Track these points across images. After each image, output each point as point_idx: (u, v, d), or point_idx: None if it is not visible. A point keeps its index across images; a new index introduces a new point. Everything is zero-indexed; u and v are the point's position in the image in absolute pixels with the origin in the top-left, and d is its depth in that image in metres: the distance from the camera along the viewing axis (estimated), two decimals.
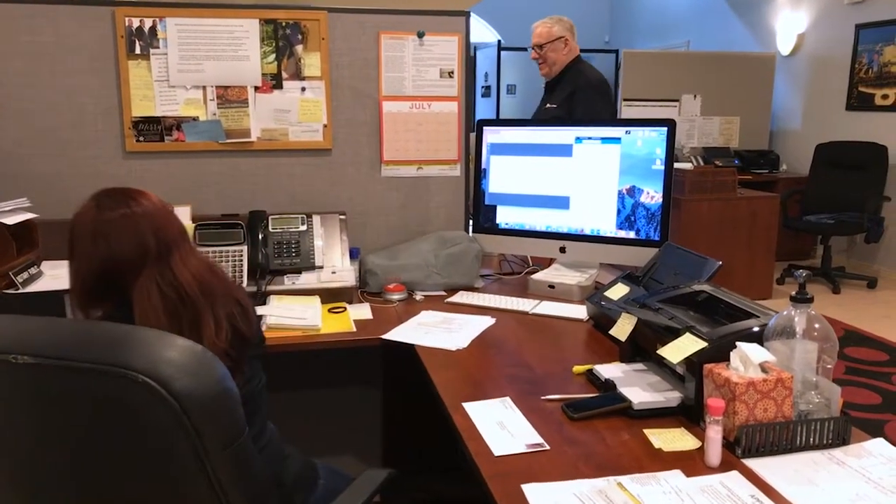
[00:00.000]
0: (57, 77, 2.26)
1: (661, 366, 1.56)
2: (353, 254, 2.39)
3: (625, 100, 6.39)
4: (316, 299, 2.15)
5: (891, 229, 5.53)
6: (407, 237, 2.56)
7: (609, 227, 2.30)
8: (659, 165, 2.19)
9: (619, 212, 2.27)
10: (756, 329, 1.41)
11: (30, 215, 2.03)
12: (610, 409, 1.44)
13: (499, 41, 9.13)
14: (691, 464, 1.26)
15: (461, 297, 2.28)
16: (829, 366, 1.36)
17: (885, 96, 5.63)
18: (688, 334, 1.44)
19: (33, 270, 1.95)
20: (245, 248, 2.20)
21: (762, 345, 1.35)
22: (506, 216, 2.47)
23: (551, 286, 2.31)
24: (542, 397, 1.54)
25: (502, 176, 2.46)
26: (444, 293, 2.33)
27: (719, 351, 1.37)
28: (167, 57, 2.30)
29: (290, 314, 2.00)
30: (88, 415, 0.99)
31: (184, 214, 2.25)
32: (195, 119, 2.36)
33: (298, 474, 1.49)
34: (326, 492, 1.49)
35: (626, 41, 9.18)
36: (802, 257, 6.23)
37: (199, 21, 2.31)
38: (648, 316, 1.58)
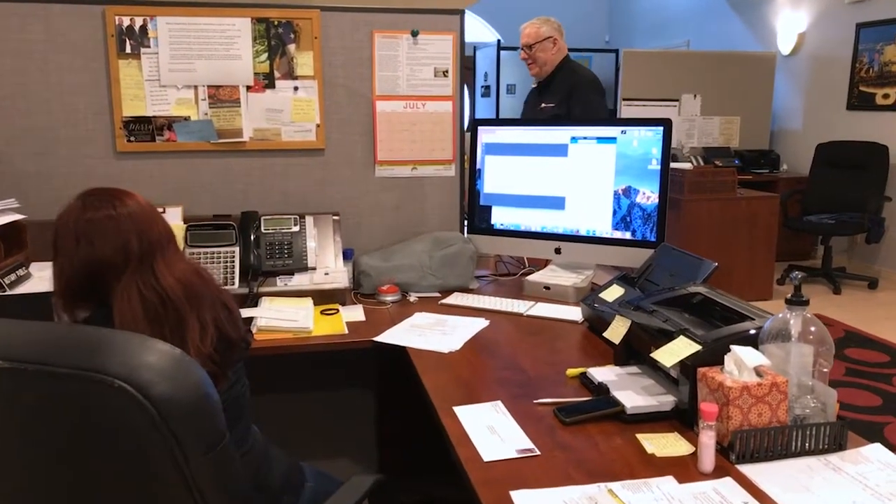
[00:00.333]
0: (47, 76, 2.24)
1: (656, 369, 1.54)
2: (347, 255, 2.37)
3: (624, 99, 6.36)
4: (308, 301, 2.13)
5: (892, 229, 5.50)
6: (401, 238, 2.53)
7: (605, 228, 2.27)
8: (655, 165, 2.17)
9: (614, 212, 2.25)
10: (751, 332, 1.38)
11: (17, 216, 2.01)
12: (602, 413, 1.42)
13: (498, 41, 9.10)
14: (684, 470, 1.23)
15: (455, 299, 2.26)
16: (825, 369, 1.33)
17: (885, 96, 5.60)
18: (682, 337, 1.41)
19: (21, 272, 1.93)
20: (237, 249, 2.18)
21: (757, 348, 1.33)
22: (501, 217, 2.45)
23: (547, 287, 2.29)
24: (535, 401, 1.51)
25: (497, 176, 2.44)
26: (438, 295, 2.31)
27: (713, 354, 1.34)
28: (158, 56, 2.28)
29: (281, 316, 1.98)
30: (67, 420, 0.97)
31: (175, 215, 2.23)
32: (187, 119, 2.34)
33: (284, 477, 1.47)
34: (314, 494, 1.48)
35: (626, 41, 9.15)
36: (803, 258, 6.19)
37: (190, 20, 2.29)
38: (642, 318, 1.56)
